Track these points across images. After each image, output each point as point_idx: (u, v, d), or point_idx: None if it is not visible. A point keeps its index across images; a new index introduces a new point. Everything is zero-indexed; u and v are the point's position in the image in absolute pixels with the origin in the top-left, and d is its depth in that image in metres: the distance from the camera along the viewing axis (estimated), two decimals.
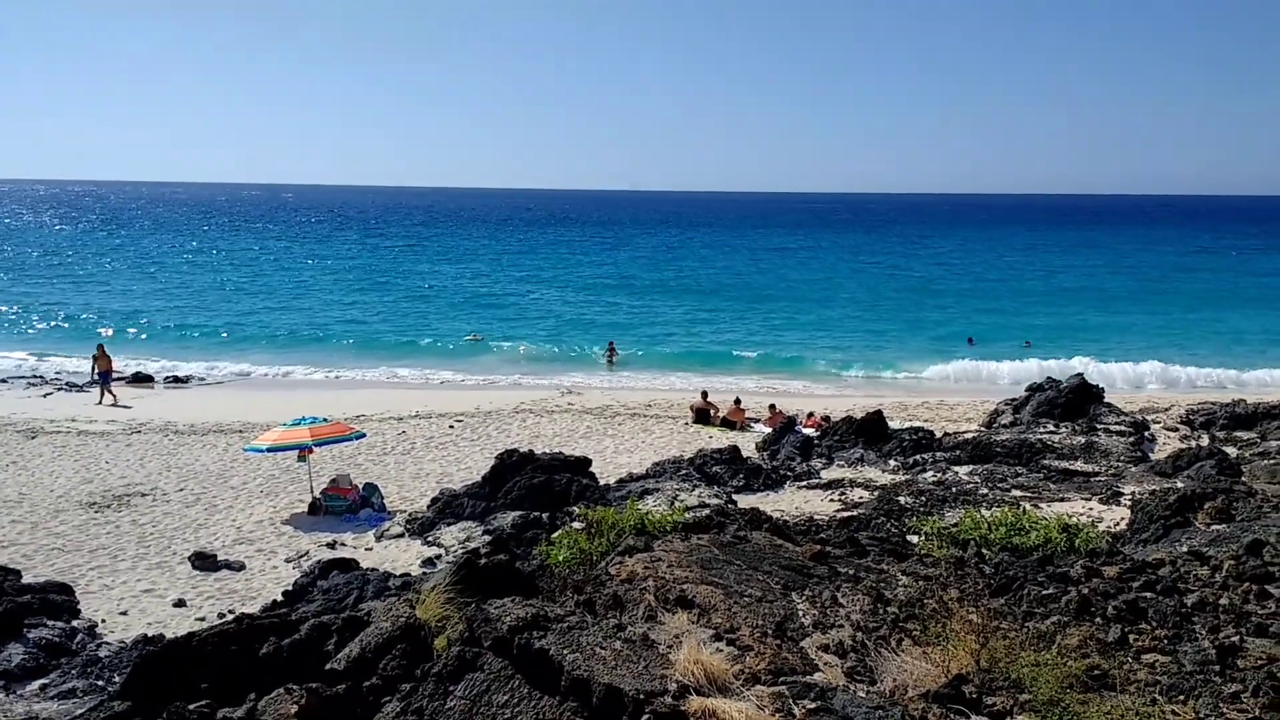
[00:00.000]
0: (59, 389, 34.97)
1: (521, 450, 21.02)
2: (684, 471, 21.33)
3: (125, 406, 31.66)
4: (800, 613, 8.08)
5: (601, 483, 20.45)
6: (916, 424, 26.88)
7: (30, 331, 51.69)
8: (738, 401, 29.54)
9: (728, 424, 28.30)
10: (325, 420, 21.73)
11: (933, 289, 74.80)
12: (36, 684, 11.83)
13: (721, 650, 6.99)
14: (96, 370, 33.12)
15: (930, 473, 21.16)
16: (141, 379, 37.47)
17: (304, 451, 20.71)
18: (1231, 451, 21.32)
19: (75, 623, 14.09)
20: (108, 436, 26.58)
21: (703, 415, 28.73)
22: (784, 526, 11.35)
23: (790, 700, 6.31)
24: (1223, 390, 35.68)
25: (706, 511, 15.63)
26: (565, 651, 6.71)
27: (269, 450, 21.10)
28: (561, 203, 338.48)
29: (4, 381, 35.83)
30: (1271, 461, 17.55)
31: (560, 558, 9.21)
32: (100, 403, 31.96)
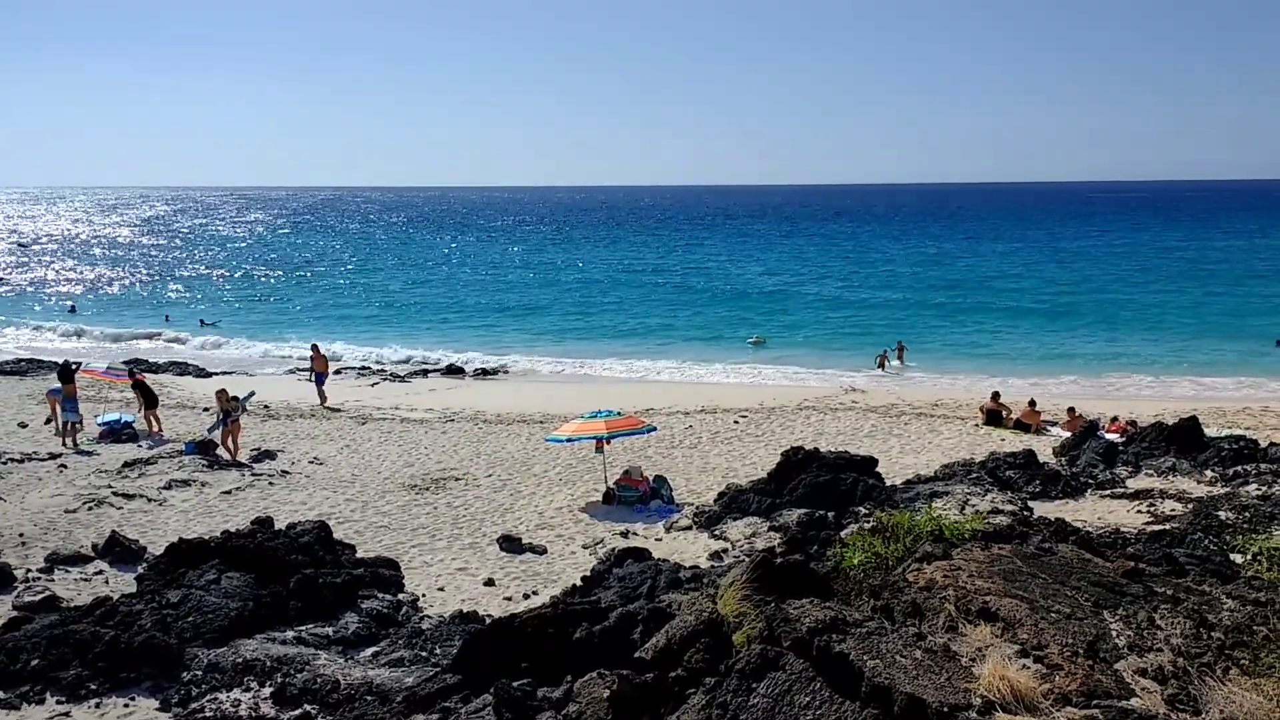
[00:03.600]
0: (384, 379, 38.57)
1: (806, 448, 21.10)
2: (974, 475, 20.63)
3: (334, 409, 31.15)
4: (1114, 633, 7.72)
5: (887, 483, 20.18)
6: (1237, 432, 24.57)
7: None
8: (1032, 403, 28.18)
9: (1021, 426, 27.07)
10: (619, 414, 22.78)
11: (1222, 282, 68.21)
12: (369, 651, 13.07)
13: (1028, 667, 6.83)
14: (313, 371, 32.68)
15: (1254, 485, 19.30)
16: (453, 371, 40.69)
17: (600, 443, 21.79)
18: None
19: (400, 596, 15.50)
20: (426, 424, 29.06)
21: (994, 417, 27.63)
22: (1091, 539, 10.82)
23: None
24: None
25: (1003, 519, 15.16)
26: (865, 657, 6.79)
27: (568, 441, 22.36)
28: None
29: (338, 373, 39.90)
30: None
31: (855, 561, 9.26)
32: (321, 404, 31.23)
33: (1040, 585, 8.47)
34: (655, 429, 24.32)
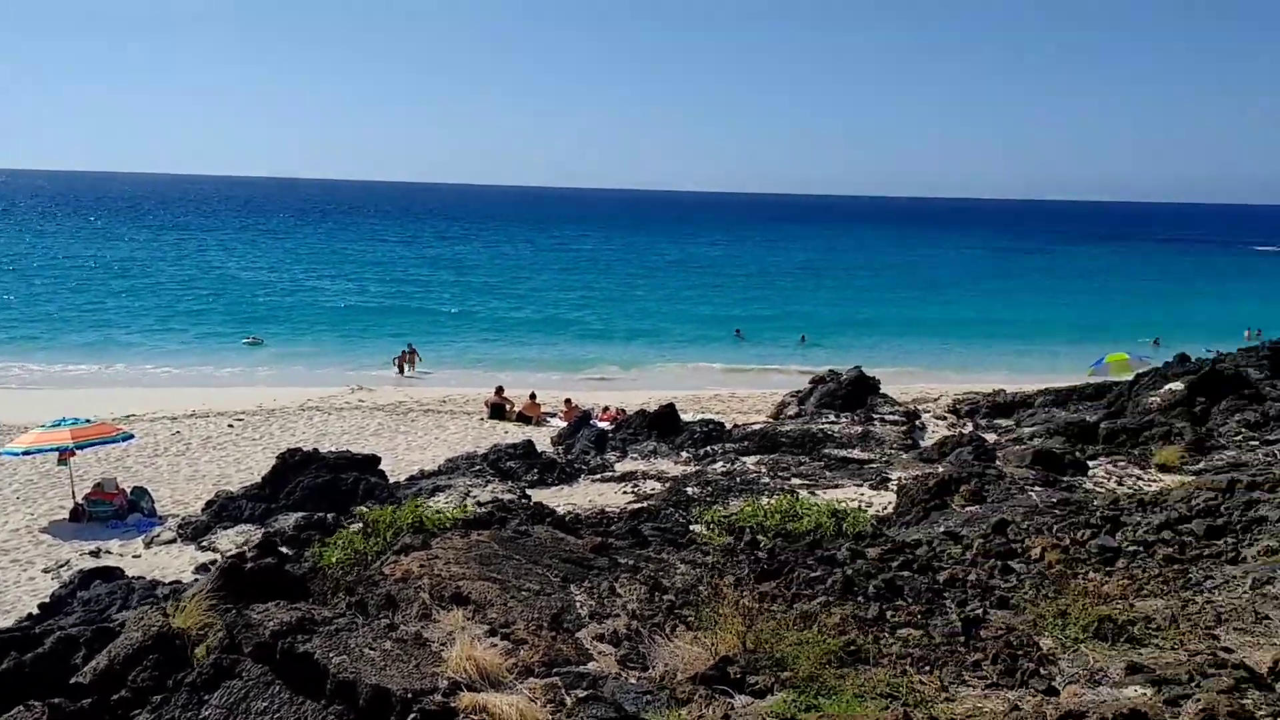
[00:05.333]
0: None
1: (305, 449, 20.28)
2: (477, 468, 21.11)
3: None
4: (578, 604, 8.13)
5: (392, 481, 19.98)
6: (708, 416, 27.59)
7: None
8: (533, 396, 29.52)
9: (524, 419, 28.24)
10: (89, 421, 20.30)
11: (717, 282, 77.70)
12: None
13: (495, 645, 6.95)
14: None
15: (720, 463, 21.75)
16: None
17: (64, 454, 19.28)
18: (990, 438, 22.97)
19: None
20: None
21: (498, 410, 28.56)
22: (567, 520, 11.41)
23: (563, 690, 6.33)
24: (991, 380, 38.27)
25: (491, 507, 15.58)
26: (331, 654, 6.50)
27: (25, 454, 19.55)
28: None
29: None
30: (1021, 447, 18.98)
31: (333, 559, 8.92)
32: None
33: (514, 566, 8.72)
34: (133, 436, 22.01)
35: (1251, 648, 7.13)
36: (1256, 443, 19.98)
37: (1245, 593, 8.52)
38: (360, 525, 11.10)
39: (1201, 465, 18.21)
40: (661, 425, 24.82)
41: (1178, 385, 25.11)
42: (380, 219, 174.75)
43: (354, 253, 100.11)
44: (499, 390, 29.65)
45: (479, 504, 16.81)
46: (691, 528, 12.40)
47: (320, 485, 18.64)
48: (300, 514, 17.60)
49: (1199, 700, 4.92)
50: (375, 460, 20.27)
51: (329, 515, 17.36)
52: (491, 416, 28.39)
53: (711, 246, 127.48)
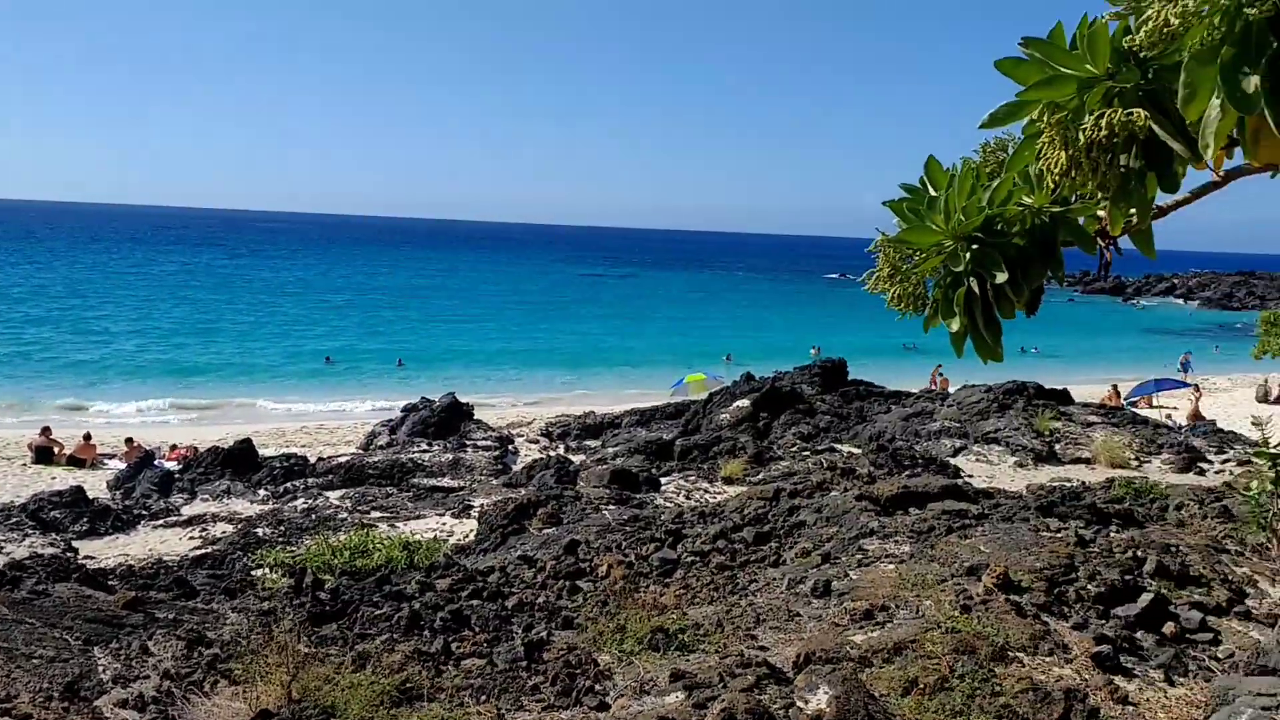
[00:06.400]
0: None
1: None
2: (14, 520, 18.39)
3: None
4: (100, 668, 7.15)
5: None
6: (293, 450, 26.14)
7: None
8: (88, 437, 26.40)
9: (75, 462, 25.13)
10: None
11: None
12: None
13: None
14: None
15: (301, 500, 20.59)
16: None
17: None
18: (579, 459, 23.73)
19: None
20: None
21: (44, 454, 25.20)
22: (97, 575, 10.12)
23: None
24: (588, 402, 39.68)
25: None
26: None
27: None
28: None
29: None
30: (603, 467, 19.73)
31: None
32: None
33: (25, 631, 7.52)
34: None
35: (784, 644, 7.71)
36: (809, 453, 22.23)
37: (782, 593, 9.26)
38: None
39: (761, 476, 19.88)
40: (237, 463, 23.12)
41: (744, 402, 27.47)
42: None
43: None
44: (45, 431, 26.21)
45: (11, 560, 14.60)
46: (254, 572, 11.49)
47: None
48: None
49: (723, 700, 5.14)
50: None
51: None
52: (37, 461, 25.00)
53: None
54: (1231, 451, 22.44)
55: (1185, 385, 37.99)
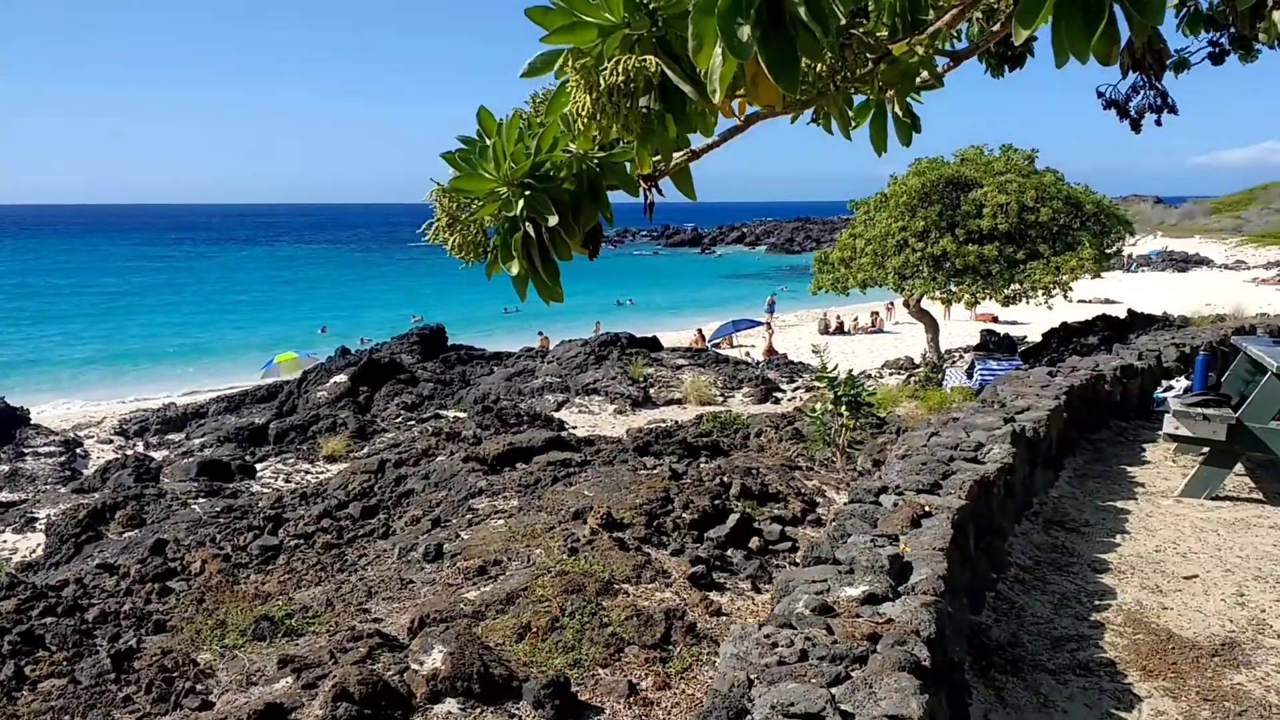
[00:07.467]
0: None
1: None
2: None
3: None
4: None
5: None
6: None
7: None
8: None
9: None
10: None
11: None
12: None
13: None
14: None
15: None
16: None
17: None
18: (162, 455, 21.88)
19: None
20: None
21: None
22: None
23: None
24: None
25: None
26: None
27: None
28: None
29: None
30: (189, 460, 18.34)
31: None
32: None
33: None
34: None
35: (398, 613, 7.65)
36: (414, 421, 22.04)
37: (394, 563, 9.17)
38: None
39: (365, 450, 19.47)
40: None
41: (341, 378, 26.67)
42: None
43: None
44: None
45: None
46: None
47: None
48: None
49: (333, 676, 5.02)
50: None
51: None
52: None
53: None
54: (800, 380, 25.34)
55: (759, 324, 41.92)
